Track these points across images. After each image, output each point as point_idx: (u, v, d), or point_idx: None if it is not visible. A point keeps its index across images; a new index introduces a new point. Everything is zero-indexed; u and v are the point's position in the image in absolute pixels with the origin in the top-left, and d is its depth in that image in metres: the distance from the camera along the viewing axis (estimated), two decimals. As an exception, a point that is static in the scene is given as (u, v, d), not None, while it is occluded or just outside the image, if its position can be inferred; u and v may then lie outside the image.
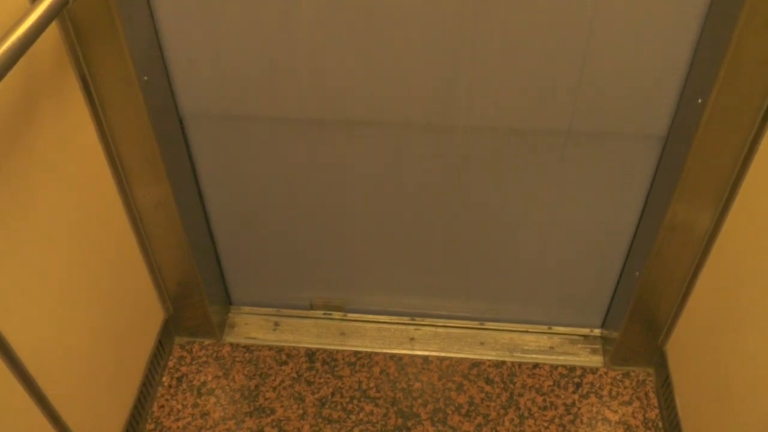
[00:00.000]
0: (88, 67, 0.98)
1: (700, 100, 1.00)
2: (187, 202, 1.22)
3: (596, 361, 1.41)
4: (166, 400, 1.35)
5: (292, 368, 1.39)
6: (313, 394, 1.35)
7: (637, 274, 1.24)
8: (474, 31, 1.00)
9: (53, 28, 0.91)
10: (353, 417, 1.31)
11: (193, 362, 1.41)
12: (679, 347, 1.28)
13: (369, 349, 1.42)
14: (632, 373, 1.39)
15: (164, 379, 1.38)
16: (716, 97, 0.97)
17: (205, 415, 1.33)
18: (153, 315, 1.33)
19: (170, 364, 1.41)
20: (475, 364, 1.40)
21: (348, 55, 1.04)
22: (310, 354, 1.41)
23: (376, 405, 1.33)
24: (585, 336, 1.45)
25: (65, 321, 1.02)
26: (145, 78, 1.01)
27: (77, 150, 1.01)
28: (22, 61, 0.84)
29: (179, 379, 1.38)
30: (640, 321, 1.31)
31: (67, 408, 1.01)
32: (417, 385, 1.36)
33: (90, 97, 1.01)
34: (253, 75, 1.08)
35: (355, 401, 1.34)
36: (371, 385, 1.36)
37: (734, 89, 0.96)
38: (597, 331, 1.46)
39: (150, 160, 1.09)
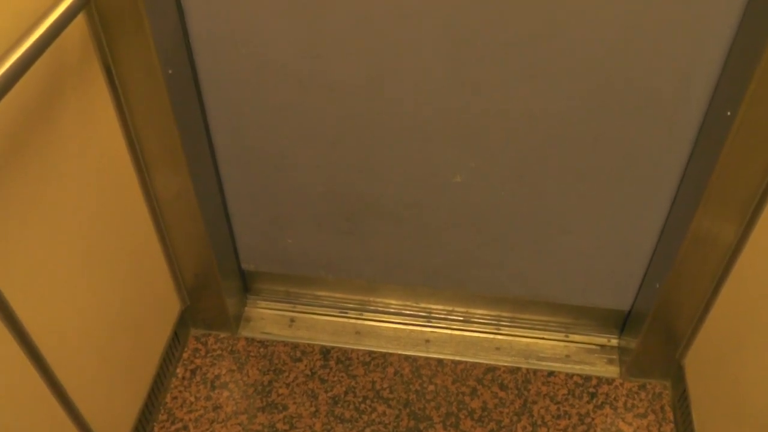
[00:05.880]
0: (113, 58, 0.99)
1: (729, 113, 0.98)
2: (207, 195, 1.22)
3: (612, 371, 1.40)
4: (180, 391, 1.36)
5: (306, 365, 1.39)
6: (326, 392, 1.35)
7: (658, 285, 1.22)
8: (491, 33, 1.00)
9: (80, 19, 0.92)
10: (365, 417, 1.31)
11: (208, 355, 1.41)
12: (698, 361, 1.26)
13: (384, 350, 1.41)
14: (649, 386, 1.37)
15: (178, 370, 1.39)
16: (746, 111, 0.95)
17: (217, 408, 1.33)
18: (169, 306, 1.34)
19: (185, 355, 1.41)
20: (490, 369, 1.39)
21: (376, 56, 1.04)
22: (325, 352, 1.41)
23: (389, 406, 1.33)
24: (602, 345, 1.44)
25: (82, 309, 1.02)
26: (170, 71, 1.01)
27: (100, 140, 1.02)
28: (48, 51, 0.85)
29: (193, 371, 1.39)
30: (658, 332, 1.29)
31: (81, 395, 1.02)
32: (430, 387, 1.36)
33: (114, 88, 1.02)
34: (282, 69, 1.07)
35: (368, 401, 1.34)
36: (384, 385, 1.36)
37: (764, 103, 0.94)
38: (615, 341, 1.44)
39: (171, 152, 1.10)
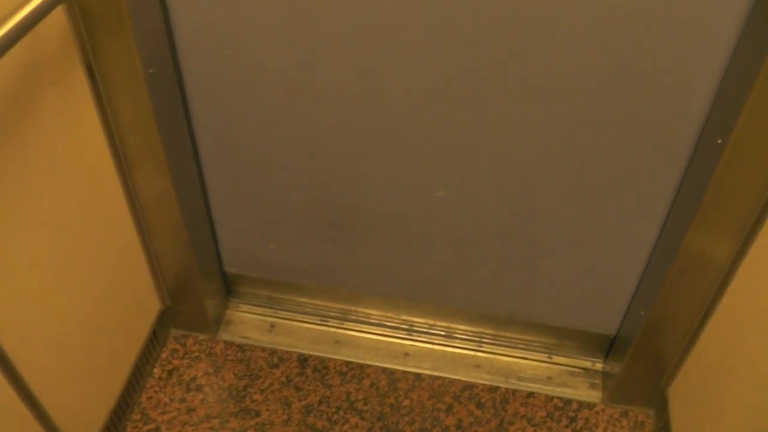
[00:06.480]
0: (94, 56, 0.98)
1: (719, 140, 0.96)
2: (189, 197, 1.21)
3: (594, 396, 1.37)
4: (155, 392, 1.34)
5: (282, 372, 1.38)
6: (300, 400, 1.33)
7: (643, 313, 1.19)
8: (493, 38, 0.98)
9: (59, 13, 0.91)
10: (337, 428, 1.29)
11: (186, 356, 1.40)
12: (682, 392, 1.23)
13: (362, 361, 1.40)
14: (631, 413, 1.34)
15: (155, 370, 1.38)
16: (736, 139, 0.92)
17: (190, 410, 1.32)
18: (149, 306, 1.33)
19: (163, 356, 1.40)
20: (468, 386, 1.36)
21: (368, 57, 1.03)
22: (302, 359, 1.40)
23: (362, 418, 1.31)
24: (586, 369, 1.41)
25: (51, 306, 1.01)
26: (151, 71, 1.00)
27: (79, 137, 1.01)
28: (27, 46, 0.84)
29: (170, 372, 1.38)
30: (643, 360, 1.26)
31: (46, 390, 1.00)
32: (406, 402, 1.34)
33: (95, 86, 1.01)
34: (269, 73, 1.06)
35: (341, 412, 1.32)
36: (359, 397, 1.34)
37: (756, 131, 0.91)
38: (599, 365, 1.42)
39: (152, 152, 1.09)
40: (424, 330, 1.44)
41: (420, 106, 1.06)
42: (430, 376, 1.38)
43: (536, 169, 1.11)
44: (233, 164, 1.21)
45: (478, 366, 1.40)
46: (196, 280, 1.32)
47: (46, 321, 1.00)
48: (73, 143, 0.99)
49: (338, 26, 0.99)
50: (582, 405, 1.35)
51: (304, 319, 1.46)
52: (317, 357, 1.40)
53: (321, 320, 1.46)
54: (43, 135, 0.92)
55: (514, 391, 1.36)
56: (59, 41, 0.92)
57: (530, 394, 1.36)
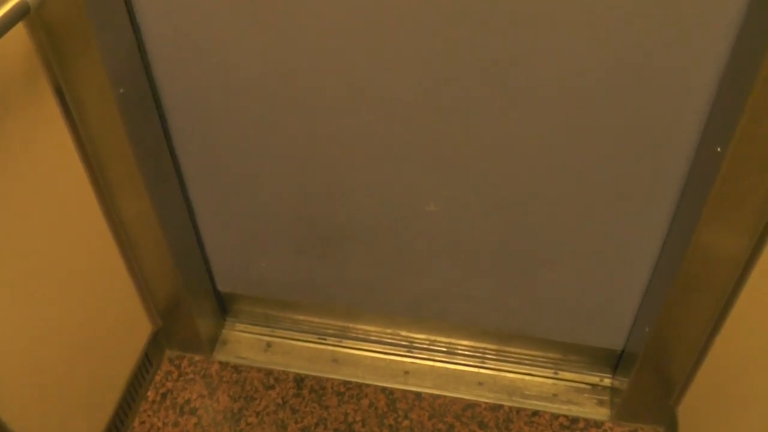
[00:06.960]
0: (63, 77, 0.94)
1: (719, 149, 0.90)
2: (173, 216, 1.18)
3: (602, 413, 1.31)
4: (148, 416, 1.31)
5: (278, 393, 1.34)
6: (296, 422, 1.29)
7: (647, 329, 1.13)
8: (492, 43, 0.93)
9: (22, 33, 0.87)
10: (334, 452, 1.25)
11: (180, 378, 1.37)
12: (692, 412, 1.17)
13: (360, 380, 1.35)
14: (641, 431, 1.28)
15: (149, 393, 1.35)
16: (736, 147, 0.86)
17: (184, 435, 1.29)
18: (139, 327, 1.30)
19: (157, 378, 1.37)
20: (470, 405, 1.31)
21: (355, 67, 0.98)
22: (299, 380, 1.36)
23: (360, 441, 1.27)
24: (593, 385, 1.35)
25: (29, 332, 0.98)
26: (121, 90, 0.96)
27: (53, 161, 0.98)
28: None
29: (164, 395, 1.34)
30: (650, 376, 1.20)
31: (19, 421, 0.97)
32: (405, 422, 1.29)
33: (66, 108, 0.97)
34: (250, 86, 1.02)
35: (338, 435, 1.28)
36: (357, 418, 1.30)
37: (755, 139, 0.85)
38: (607, 381, 1.35)
39: (128, 173, 1.05)
40: (425, 347, 1.39)
41: (408, 115, 1.02)
42: (431, 395, 1.32)
43: (531, 180, 1.06)
44: (217, 181, 1.17)
45: (480, 383, 1.35)
46: (185, 300, 1.29)
47: (22, 348, 0.97)
48: (47, 166, 0.96)
49: (321, 35, 0.95)
50: (589, 423, 1.29)
51: (302, 338, 1.42)
52: (314, 377, 1.36)
53: (318, 338, 1.42)
54: (15, 160, 0.89)
55: (518, 410, 1.30)
56: (23, 62, 0.89)
57: (535, 413, 1.30)
